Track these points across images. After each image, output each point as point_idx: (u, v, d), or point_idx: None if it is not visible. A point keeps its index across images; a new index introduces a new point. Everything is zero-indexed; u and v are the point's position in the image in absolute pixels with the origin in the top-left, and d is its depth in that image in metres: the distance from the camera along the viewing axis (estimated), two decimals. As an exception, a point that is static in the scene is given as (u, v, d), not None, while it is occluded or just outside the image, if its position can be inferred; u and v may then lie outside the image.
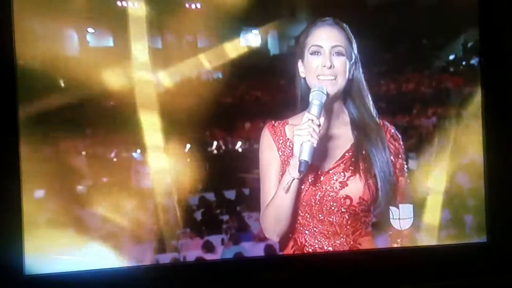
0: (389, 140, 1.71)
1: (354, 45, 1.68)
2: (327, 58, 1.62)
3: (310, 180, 1.63)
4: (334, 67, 1.61)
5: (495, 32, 1.97)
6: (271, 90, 1.95)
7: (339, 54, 1.63)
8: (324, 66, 1.61)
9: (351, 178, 1.64)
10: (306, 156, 1.48)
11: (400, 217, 1.77)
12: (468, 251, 1.96)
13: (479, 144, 1.99)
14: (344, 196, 1.63)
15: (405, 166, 1.74)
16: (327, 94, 1.57)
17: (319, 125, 1.50)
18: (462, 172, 1.99)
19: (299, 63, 1.71)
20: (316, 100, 1.54)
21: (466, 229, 2.00)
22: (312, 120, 1.49)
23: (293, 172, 1.53)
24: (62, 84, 1.80)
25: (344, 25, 1.67)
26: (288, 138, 1.67)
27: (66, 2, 1.79)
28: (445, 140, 2.00)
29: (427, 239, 1.96)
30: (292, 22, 1.95)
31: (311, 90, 1.58)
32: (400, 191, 1.73)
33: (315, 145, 1.49)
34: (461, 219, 1.99)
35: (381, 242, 1.81)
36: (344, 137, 1.69)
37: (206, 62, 1.91)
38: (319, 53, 1.63)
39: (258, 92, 1.97)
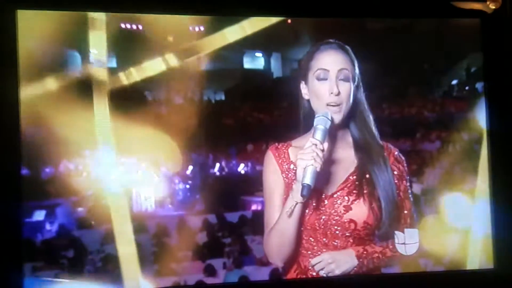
0: (393, 163, 1.70)
1: (356, 66, 1.68)
2: (333, 84, 1.61)
3: (314, 204, 1.62)
4: (340, 93, 1.61)
5: (499, 56, 1.99)
6: (274, 112, 1.95)
7: (344, 79, 1.62)
8: (332, 93, 1.60)
9: (355, 202, 1.62)
10: (309, 180, 1.46)
11: (406, 242, 1.74)
12: (475, 278, 1.93)
13: (484, 168, 1.98)
14: (349, 220, 1.61)
15: (409, 189, 1.73)
16: (332, 120, 1.57)
17: (322, 150, 1.50)
18: (468, 197, 1.98)
19: (302, 85, 1.70)
20: (320, 125, 1.53)
21: (473, 256, 1.98)
22: (316, 145, 1.49)
23: (296, 196, 1.51)
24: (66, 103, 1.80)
25: (347, 47, 1.68)
26: (292, 161, 1.65)
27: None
28: (449, 164, 1.99)
29: (433, 265, 1.94)
30: (295, 45, 1.97)
31: (316, 115, 1.57)
32: (405, 215, 1.71)
33: (318, 169, 1.48)
34: (467, 245, 1.97)
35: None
36: (347, 160, 1.68)
37: (209, 84, 1.92)
38: (325, 78, 1.63)
39: (261, 115, 1.97)
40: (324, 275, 1.63)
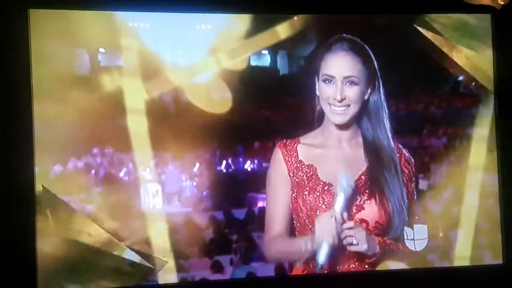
0: (404, 164, 1.69)
1: (375, 65, 1.65)
2: (338, 89, 1.59)
3: (325, 203, 1.61)
4: (346, 98, 1.60)
5: (508, 51, 1.98)
6: (281, 109, 1.95)
7: (352, 84, 1.61)
8: (335, 98, 1.60)
9: (367, 201, 1.62)
10: (323, 259, 1.55)
11: (415, 238, 1.74)
12: (483, 273, 1.92)
13: (494, 164, 1.97)
14: (360, 219, 1.61)
15: (415, 190, 1.72)
16: (352, 186, 1.58)
17: (342, 223, 1.53)
18: (476, 193, 1.97)
19: (316, 80, 1.69)
20: (341, 193, 1.55)
21: (482, 251, 1.96)
22: (336, 218, 1.52)
23: (308, 249, 1.58)
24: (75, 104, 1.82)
25: (362, 45, 1.65)
26: (301, 160, 1.64)
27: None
28: (456, 160, 1.98)
29: (441, 261, 1.93)
30: (301, 42, 1.97)
31: (338, 181, 1.57)
32: (412, 214, 1.71)
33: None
34: (476, 240, 1.96)
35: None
36: (358, 159, 1.67)
37: (217, 81, 1.93)
38: (331, 82, 1.62)
39: (268, 112, 1.97)
40: (346, 241, 1.60)
